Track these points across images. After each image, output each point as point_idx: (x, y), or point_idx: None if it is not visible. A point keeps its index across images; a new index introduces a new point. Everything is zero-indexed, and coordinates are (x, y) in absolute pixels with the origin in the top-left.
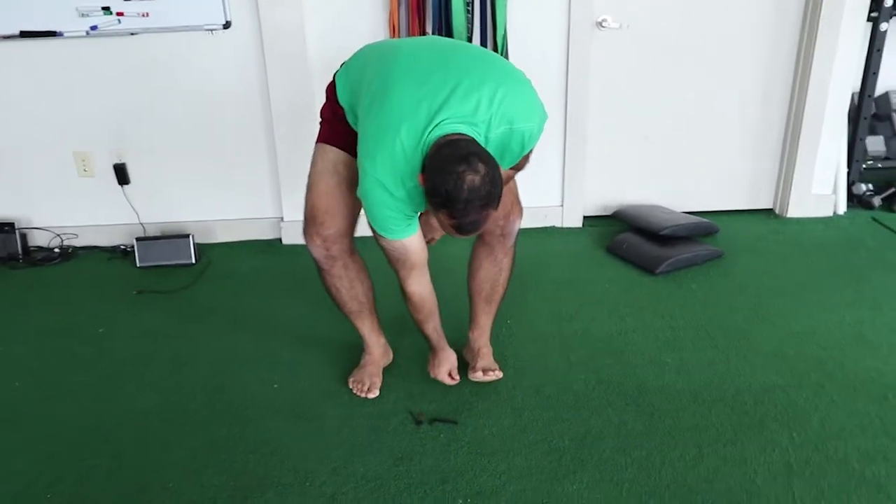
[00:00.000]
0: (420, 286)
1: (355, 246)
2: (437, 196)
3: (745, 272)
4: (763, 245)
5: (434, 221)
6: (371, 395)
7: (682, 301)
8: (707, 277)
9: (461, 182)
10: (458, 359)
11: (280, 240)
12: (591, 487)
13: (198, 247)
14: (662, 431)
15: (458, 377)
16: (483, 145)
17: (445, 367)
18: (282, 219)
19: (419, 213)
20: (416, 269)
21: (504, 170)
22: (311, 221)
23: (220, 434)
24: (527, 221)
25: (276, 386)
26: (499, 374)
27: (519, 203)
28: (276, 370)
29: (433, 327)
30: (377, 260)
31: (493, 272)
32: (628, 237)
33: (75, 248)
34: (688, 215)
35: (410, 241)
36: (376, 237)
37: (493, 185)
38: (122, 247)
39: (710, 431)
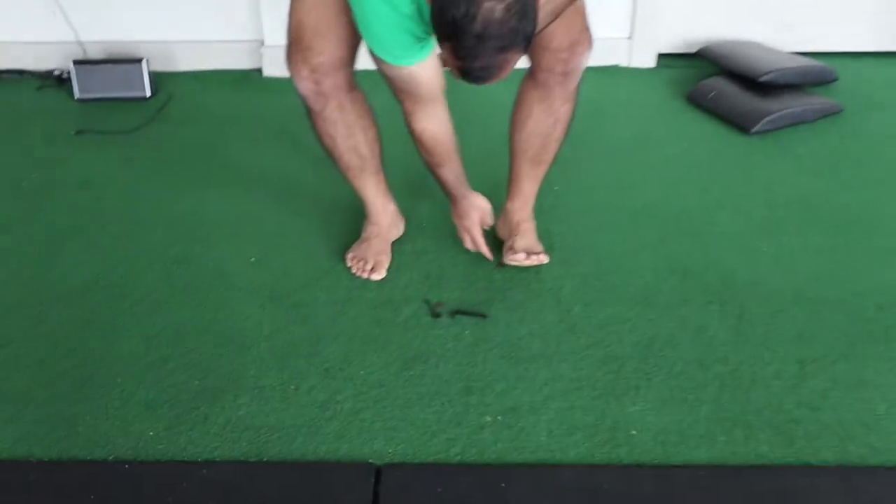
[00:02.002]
0: (432, 122)
1: (356, 80)
2: (443, 24)
3: (869, 135)
4: (894, 99)
5: None
6: (375, 277)
7: (784, 170)
8: (819, 140)
9: (475, 9)
10: (491, 237)
11: (260, 70)
12: (657, 409)
13: (154, 76)
14: (754, 340)
15: (490, 253)
16: None
17: (474, 214)
18: (262, 42)
19: None
20: (429, 103)
21: None
22: (296, 45)
23: (181, 318)
24: None
25: (252, 260)
26: (543, 258)
27: (588, 29)
28: (253, 239)
29: (451, 171)
30: (387, 97)
31: (546, 124)
32: (716, 83)
33: None
34: (796, 56)
35: (420, 69)
36: (376, 62)
37: (522, 20)
38: (57, 72)
39: (817, 343)
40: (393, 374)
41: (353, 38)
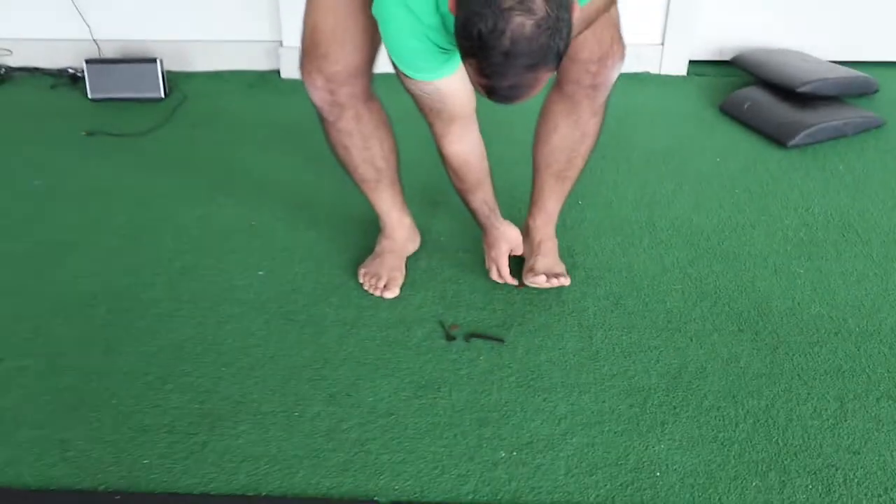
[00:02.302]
0: (464, 144)
1: (373, 89)
2: (468, 39)
3: None
4: None
5: None
6: (388, 295)
7: (823, 187)
8: (859, 156)
9: (503, 24)
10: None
11: (278, 72)
12: (684, 448)
13: (169, 76)
14: (790, 373)
15: (515, 282)
16: None
17: (505, 245)
18: (281, 43)
19: None
20: (459, 123)
21: None
22: (310, 52)
23: (184, 335)
24: None
25: (261, 273)
26: (565, 281)
27: (620, 40)
28: (263, 251)
29: (482, 199)
30: (404, 101)
31: (573, 139)
32: (752, 93)
33: (8, 69)
34: (835, 66)
35: (449, 83)
36: (400, 77)
37: (554, 36)
38: (71, 70)
39: (859, 379)
40: (403, 401)
41: (372, 44)
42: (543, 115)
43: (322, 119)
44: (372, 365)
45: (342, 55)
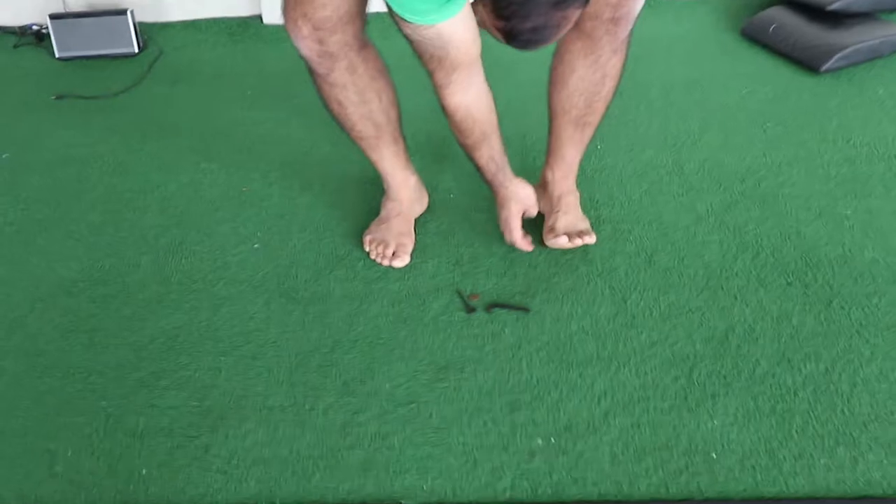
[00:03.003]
0: (468, 94)
1: (367, 35)
2: None
3: None
4: None
5: None
6: (398, 264)
7: (863, 115)
8: None
9: None
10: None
11: (260, 17)
12: (741, 424)
13: (142, 28)
14: (848, 330)
15: (529, 246)
16: None
17: (515, 206)
18: None
19: None
20: (463, 70)
21: None
22: None
23: (176, 322)
24: None
25: (256, 246)
26: (589, 239)
27: None
28: (256, 221)
29: (489, 156)
30: (400, 43)
31: (593, 80)
32: (776, 14)
33: None
34: None
35: (451, 26)
36: (397, 22)
37: None
38: (35, 27)
39: None
40: (424, 386)
41: None
42: (558, 54)
43: (311, 72)
44: (386, 346)
45: None
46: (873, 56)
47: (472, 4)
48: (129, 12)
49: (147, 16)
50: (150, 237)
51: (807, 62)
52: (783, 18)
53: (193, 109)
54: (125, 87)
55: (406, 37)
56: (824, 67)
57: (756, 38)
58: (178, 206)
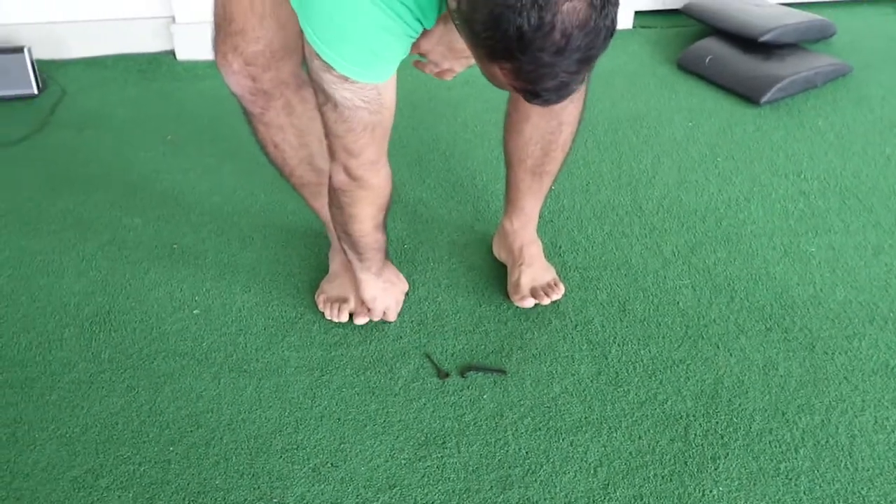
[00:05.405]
0: (387, 170)
1: (304, 71)
2: (502, 38)
3: (886, 95)
4: None
5: (460, 45)
6: (359, 321)
7: (808, 148)
8: (835, 107)
9: (550, 15)
10: (489, 257)
11: (173, 53)
12: (747, 488)
13: (40, 66)
14: (836, 378)
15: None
16: None
17: (362, 300)
18: (173, 19)
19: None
20: (383, 139)
21: None
22: (224, 28)
23: (111, 407)
24: None
25: (196, 312)
26: (559, 293)
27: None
28: (193, 283)
29: (381, 238)
30: None
31: (548, 128)
32: (711, 46)
33: None
34: (789, 9)
35: (390, 84)
36: (322, 88)
37: (605, 6)
38: None
39: None
40: (404, 466)
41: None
42: (512, 101)
43: (244, 111)
44: (356, 421)
45: (262, 31)
46: (808, 87)
47: (481, 65)
48: (26, 49)
49: (45, 52)
50: (70, 306)
51: (746, 94)
52: (718, 50)
53: (107, 157)
54: (26, 134)
55: (321, 93)
56: (764, 99)
57: (692, 69)
58: (100, 268)
